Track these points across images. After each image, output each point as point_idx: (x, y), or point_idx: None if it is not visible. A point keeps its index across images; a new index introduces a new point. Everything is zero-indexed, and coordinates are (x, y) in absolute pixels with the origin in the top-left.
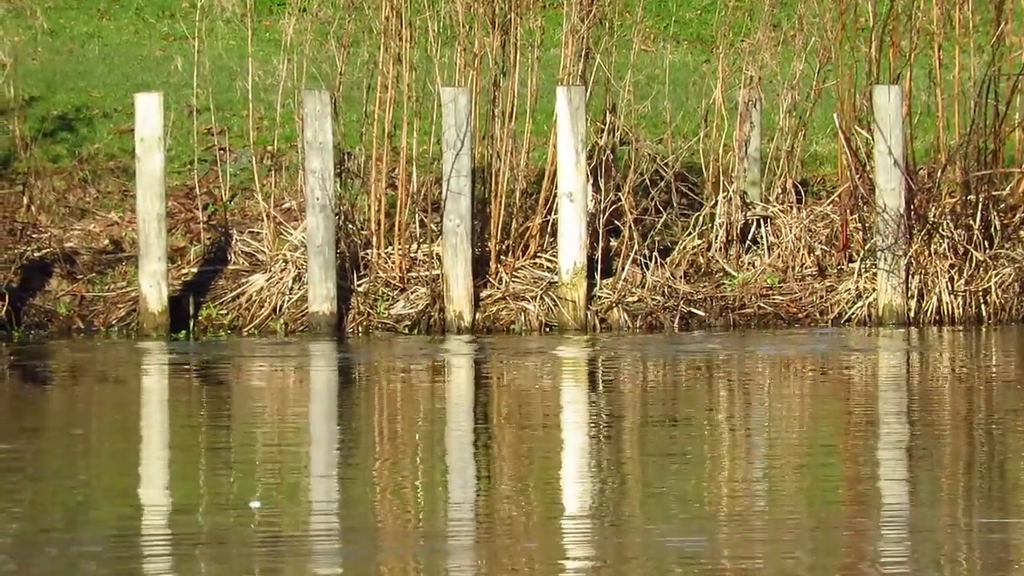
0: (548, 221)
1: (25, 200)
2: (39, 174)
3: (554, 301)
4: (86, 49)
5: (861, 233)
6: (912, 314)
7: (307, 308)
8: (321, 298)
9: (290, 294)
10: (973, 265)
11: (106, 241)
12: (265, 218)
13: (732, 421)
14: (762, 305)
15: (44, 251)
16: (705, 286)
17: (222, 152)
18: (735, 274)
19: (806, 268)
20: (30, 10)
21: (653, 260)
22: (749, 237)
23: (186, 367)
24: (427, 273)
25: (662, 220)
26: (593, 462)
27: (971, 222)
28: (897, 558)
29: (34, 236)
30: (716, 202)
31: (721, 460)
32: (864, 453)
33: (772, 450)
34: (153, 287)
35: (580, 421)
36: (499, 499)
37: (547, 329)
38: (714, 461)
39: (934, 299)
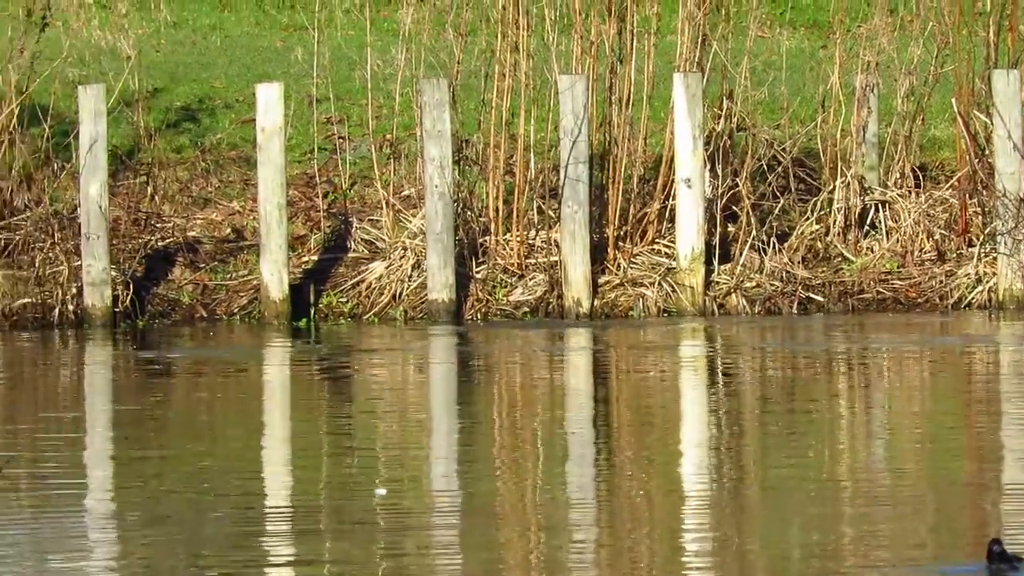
0: (666, 207)
1: (149, 190)
2: (163, 164)
3: (672, 287)
4: (208, 41)
5: (980, 217)
6: None
7: (426, 295)
8: (440, 285)
9: (409, 281)
10: None
11: (228, 230)
12: (384, 206)
13: (853, 410)
14: (881, 290)
15: (167, 240)
16: (823, 271)
17: (341, 141)
18: (853, 259)
19: (925, 253)
20: (154, 3)
21: (771, 245)
22: (867, 222)
23: (314, 358)
24: (545, 259)
25: (780, 205)
26: (712, 451)
27: None
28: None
29: (158, 225)
30: (834, 187)
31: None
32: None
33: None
34: (274, 275)
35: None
36: (620, 489)
37: (665, 314)
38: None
39: None
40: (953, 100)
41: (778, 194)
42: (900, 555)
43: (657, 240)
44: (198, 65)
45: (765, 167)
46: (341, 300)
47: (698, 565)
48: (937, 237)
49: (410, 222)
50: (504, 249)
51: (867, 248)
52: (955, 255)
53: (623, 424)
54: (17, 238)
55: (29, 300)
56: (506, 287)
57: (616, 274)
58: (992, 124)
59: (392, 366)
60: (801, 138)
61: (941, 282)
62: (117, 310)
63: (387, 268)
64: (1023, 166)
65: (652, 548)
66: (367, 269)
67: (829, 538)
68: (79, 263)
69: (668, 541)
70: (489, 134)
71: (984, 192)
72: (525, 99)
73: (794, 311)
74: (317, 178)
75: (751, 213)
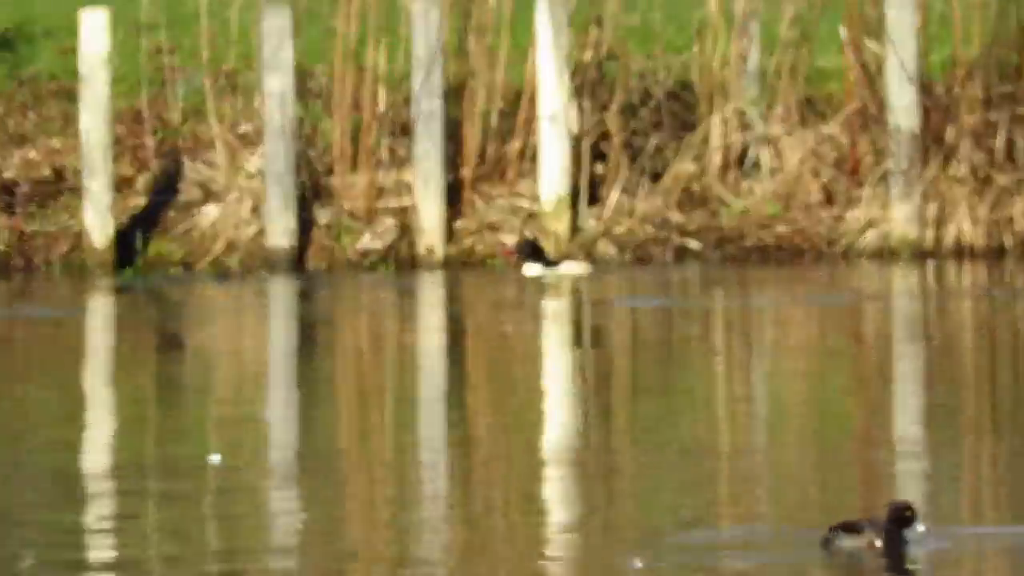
0: (528, 145)
1: None
2: None
3: (534, 233)
4: None
5: (872, 156)
6: (929, 245)
7: (265, 242)
8: (280, 231)
9: (246, 227)
10: (996, 191)
11: (47, 171)
12: (219, 144)
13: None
14: (763, 237)
15: None
16: (700, 215)
17: (173, 72)
18: (733, 202)
19: (812, 195)
20: None
21: (643, 187)
22: (748, 162)
23: (139, 315)
24: (395, 203)
25: (653, 143)
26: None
27: (993, 143)
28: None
29: None
30: (712, 123)
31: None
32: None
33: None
34: (97, 220)
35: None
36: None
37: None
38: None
39: (952, 228)
40: (841, 27)
41: (651, 131)
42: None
43: (518, 181)
44: None
45: (637, 101)
46: (171, 247)
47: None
48: (825, 178)
49: (248, 162)
50: (351, 191)
51: (748, 190)
52: (844, 198)
53: (475, 408)
54: None
55: None
56: (353, 233)
57: (473, 219)
58: (884, 53)
59: (224, 323)
60: (676, 69)
61: (829, 227)
62: None
63: (222, 212)
64: (918, 99)
65: (509, 514)
66: (200, 213)
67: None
68: None
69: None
70: (335, 65)
71: (876, 128)
72: (374, 26)
73: (668, 259)
74: (146, 113)
75: (621, 152)
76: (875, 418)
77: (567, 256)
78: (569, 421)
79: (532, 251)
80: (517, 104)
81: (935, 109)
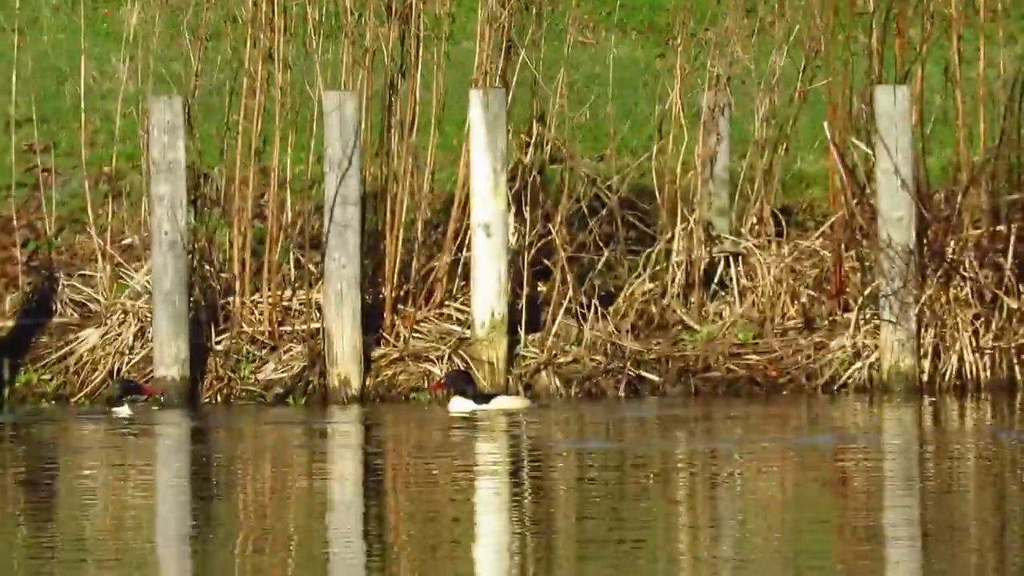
0: (459, 261)
1: None
2: None
3: (466, 362)
4: None
5: (859, 275)
6: (925, 378)
7: (152, 372)
8: (170, 359)
9: (131, 354)
10: (1003, 315)
11: None
12: (100, 258)
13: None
14: (732, 367)
15: None
16: (659, 343)
17: (47, 175)
18: (697, 328)
19: (789, 320)
20: None
21: (592, 310)
22: (715, 280)
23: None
24: (304, 327)
25: (604, 259)
26: None
27: (1001, 260)
28: None
29: None
30: (673, 236)
31: None
32: None
33: None
34: None
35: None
36: None
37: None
38: None
39: (953, 359)
40: (825, 124)
41: (602, 244)
42: None
43: (447, 302)
44: None
45: (586, 210)
46: (44, 377)
47: None
48: (804, 300)
49: (132, 278)
50: (252, 314)
51: (714, 314)
52: (827, 322)
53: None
54: None
55: None
56: (254, 362)
57: (395, 346)
58: (874, 155)
59: (104, 467)
60: (632, 173)
61: (809, 357)
62: None
63: (102, 337)
64: (913, 209)
65: None
66: (77, 338)
67: None
68: None
69: None
70: (234, 167)
71: (864, 242)
72: (281, 122)
73: (621, 394)
74: (15, 222)
75: (567, 268)
76: None
77: (503, 390)
78: None
79: (463, 383)
80: (446, 213)
81: (934, 220)
